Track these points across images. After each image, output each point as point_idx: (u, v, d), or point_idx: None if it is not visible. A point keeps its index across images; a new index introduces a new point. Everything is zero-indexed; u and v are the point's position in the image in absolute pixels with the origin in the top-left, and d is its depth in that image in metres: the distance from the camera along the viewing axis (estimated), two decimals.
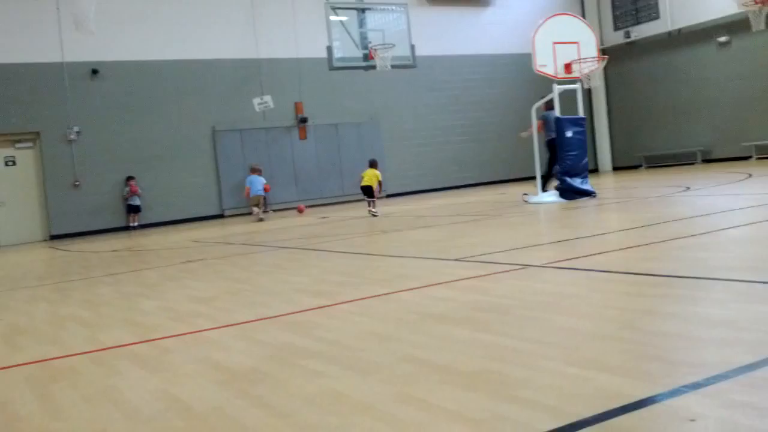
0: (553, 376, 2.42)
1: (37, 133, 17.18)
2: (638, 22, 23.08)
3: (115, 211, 17.73)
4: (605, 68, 21.02)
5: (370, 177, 13.08)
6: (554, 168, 12.63)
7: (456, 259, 5.71)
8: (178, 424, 2.35)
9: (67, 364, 3.44)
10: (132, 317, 4.61)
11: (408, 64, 16.54)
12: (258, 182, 16.70)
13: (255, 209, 16.47)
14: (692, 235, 5.70)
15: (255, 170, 17.22)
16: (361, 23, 15.82)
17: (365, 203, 13.60)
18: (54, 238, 16.99)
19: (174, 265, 7.79)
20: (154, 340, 3.82)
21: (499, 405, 2.19)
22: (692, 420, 1.91)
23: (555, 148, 12.29)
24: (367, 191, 13.06)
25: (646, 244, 5.47)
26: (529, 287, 4.20)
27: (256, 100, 18.71)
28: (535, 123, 11.98)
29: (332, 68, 15.69)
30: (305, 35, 19.28)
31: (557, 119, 11.54)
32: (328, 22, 15.45)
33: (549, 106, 12.77)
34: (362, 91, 20.71)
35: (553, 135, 12.23)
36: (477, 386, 2.40)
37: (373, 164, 13.50)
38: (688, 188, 11.30)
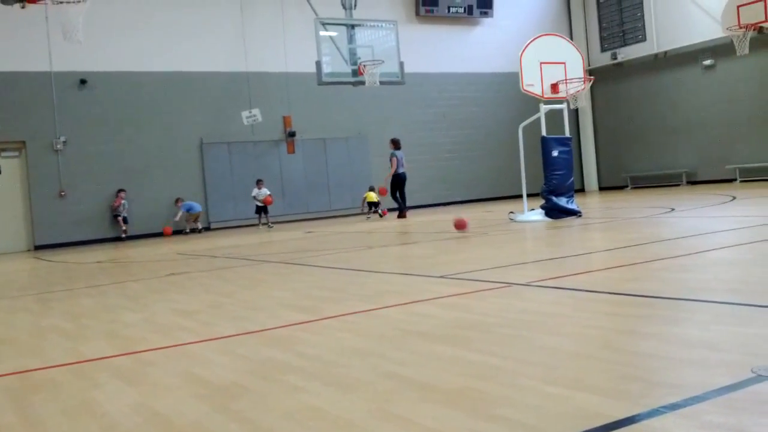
0: (533, 395, 2.43)
1: (23, 143, 17.09)
2: (625, 44, 23.34)
3: (100, 222, 17.64)
4: (592, 89, 21.28)
5: (372, 196, 18.27)
6: (399, 202, 16.96)
7: (440, 276, 5.72)
8: None
9: (48, 376, 3.41)
10: (114, 329, 4.58)
11: (397, 81, 16.63)
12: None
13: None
14: (675, 257, 5.75)
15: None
16: (351, 39, 15.91)
17: (371, 212, 18.30)
18: (38, 248, 16.87)
19: (158, 278, 7.75)
20: (135, 352, 3.80)
21: (479, 423, 2.20)
22: None
23: (399, 184, 16.85)
24: (374, 204, 18.24)
25: (629, 265, 5.51)
26: (512, 305, 4.22)
27: (245, 114, 18.72)
28: (522, 142, 12.06)
29: (321, 83, 15.75)
30: (294, 49, 19.34)
31: (543, 138, 11.62)
32: (318, 38, 15.53)
33: (396, 146, 17.07)
34: (351, 106, 20.78)
35: (400, 171, 16.73)
36: (457, 404, 2.41)
37: (372, 189, 18.47)
38: (673, 209, 11.39)
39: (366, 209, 18.60)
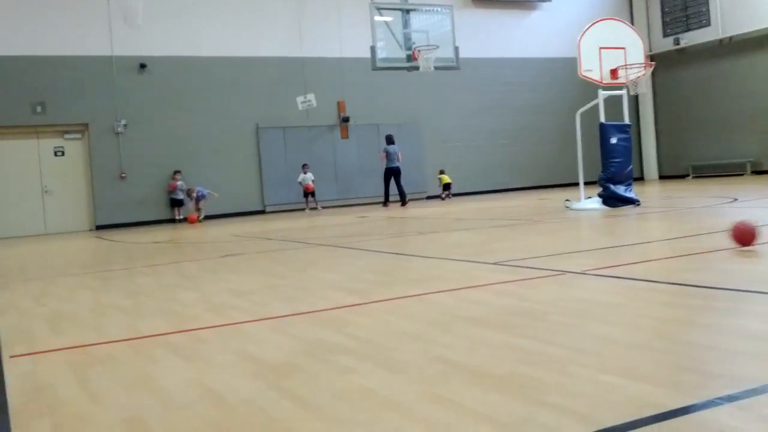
0: (585, 383, 2.40)
1: (86, 125, 17.58)
2: (688, 29, 22.68)
3: (159, 204, 18.05)
4: (653, 75, 20.74)
5: (446, 178, 20.54)
6: (390, 195, 18.42)
7: (493, 263, 5.69)
8: (210, 413, 2.39)
9: (106, 351, 3.52)
10: (170, 307, 4.69)
11: (451, 66, 16.50)
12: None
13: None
14: (736, 247, 5.59)
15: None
16: (406, 24, 15.83)
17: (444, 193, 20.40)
18: (99, 228, 17.38)
19: (213, 259, 7.91)
20: (190, 330, 3.88)
21: (528, 409, 2.18)
22: None
23: (393, 177, 18.42)
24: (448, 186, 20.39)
25: (687, 255, 5.38)
26: (565, 293, 4.17)
27: (300, 99, 18.87)
28: (579, 129, 11.85)
29: (375, 68, 15.74)
30: (349, 35, 19.37)
31: (602, 125, 11.40)
32: (373, 23, 15.50)
33: (389, 141, 18.54)
34: (404, 92, 20.74)
35: (393, 165, 18.32)
36: (507, 389, 2.39)
37: (443, 171, 20.76)
38: (736, 199, 11.07)
39: (442, 191, 20.45)
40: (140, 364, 3.17)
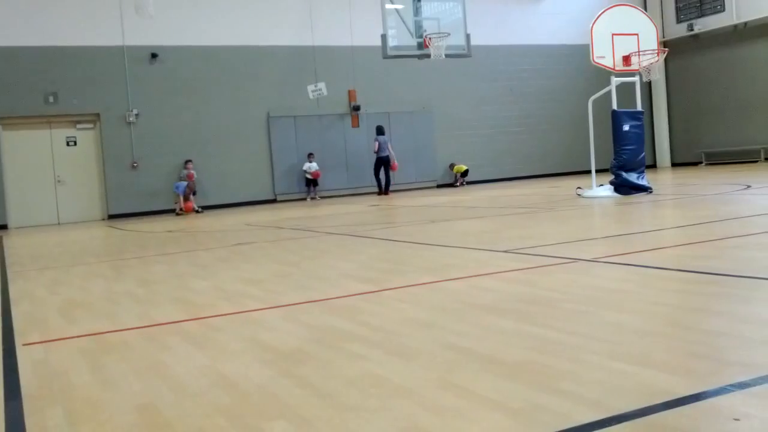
0: (597, 370, 2.40)
1: (98, 115, 17.65)
2: (702, 15, 22.45)
3: (171, 193, 18.12)
4: (666, 61, 20.57)
5: (461, 167, 21.00)
6: (382, 182, 19.39)
7: (505, 251, 5.68)
8: (223, 399, 2.41)
9: (120, 338, 3.55)
10: (183, 296, 4.71)
11: (463, 54, 16.40)
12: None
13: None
14: (749, 234, 5.55)
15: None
16: (417, 11, 15.74)
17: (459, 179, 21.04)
18: (111, 217, 17.47)
19: (226, 247, 7.94)
20: (203, 318, 3.90)
21: (540, 396, 2.18)
22: (737, 419, 1.87)
23: (383, 166, 19.35)
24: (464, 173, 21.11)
25: (700, 242, 5.35)
26: (577, 281, 4.16)
27: (310, 87, 18.86)
28: (591, 116, 11.78)
29: (386, 56, 15.67)
30: (360, 23, 19.31)
31: (614, 112, 11.32)
32: (384, 10, 15.43)
33: (379, 131, 19.44)
34: (415, 80, 20.67)
35: (383, 154, 19.23)
36: (518, 376, 2.39)
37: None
38: (749, 186, 10.98)
39: (456, 179, 21.10)
40: (153, 352, 3.19)
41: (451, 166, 21.30)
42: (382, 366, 2.66)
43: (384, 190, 19.54)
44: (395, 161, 19.73)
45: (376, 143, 19.40)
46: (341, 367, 2.69)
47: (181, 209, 17.25)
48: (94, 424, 2.27)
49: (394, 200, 15.87)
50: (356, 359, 2.79)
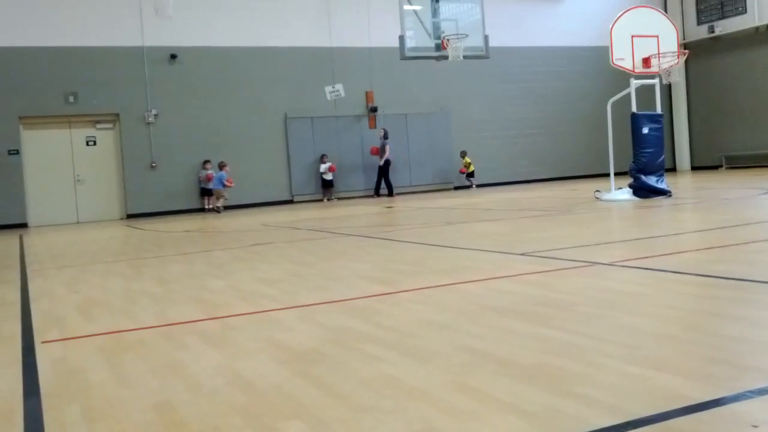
0: (614, 374, 2.38)
1: (117, 115, 17.79)
2: (723, 17, 22.24)
3: (189, 193, 18.21)
4: (686, 64, 20.38)
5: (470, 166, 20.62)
6: (381, 188, 19.37)
7: (521, 254, 5.66)
8: (238, 398, 2.42)
9: (137, 337, 3.57)
10: (200, 295, 4.74)
11: (481, 55, 16.34)
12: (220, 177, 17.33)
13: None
14: None
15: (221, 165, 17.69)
16: (435, 13, 15.70)
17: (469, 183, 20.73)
18: (130, 216, 17.60)
19: (243, 247, 7.97)
20: (220, 317, 3.92)
21: (555, 399, 2.17)
22: (755, 426, 1.85)
23: (383, 171, 19.29)
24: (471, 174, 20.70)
25: (720, 247, 5.30)
26: (595, 285, 4.13)
27: (328, 89, 18.89)
28: (610, 118, 11.71)
29: (404, 58, 15.64)
30: (378, 24, 19.31)
31: (633, 114, 11.24)
32: (402, 12, 15.40)
33: (387, 135, 19.39)
34: (433, 81, 20.64)
35: (389, 157, 19.20)
36: (534, 380, 2.38)
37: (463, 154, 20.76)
38: None
39: (467, 177, 20.96)
40: (170, 351, 3.21)
41: (463, 153, 20.72)
42: (397, 367, 2.66)
43: (389, 192, 19.46)
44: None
45: (388, 147, 19.37)
46: (356, 368, 2.69)
47: (217, 207, 17.25)
48: (112, 422, 2.29)
49: (410, 202, 15.86)
50: (371, 360, 2.79)
